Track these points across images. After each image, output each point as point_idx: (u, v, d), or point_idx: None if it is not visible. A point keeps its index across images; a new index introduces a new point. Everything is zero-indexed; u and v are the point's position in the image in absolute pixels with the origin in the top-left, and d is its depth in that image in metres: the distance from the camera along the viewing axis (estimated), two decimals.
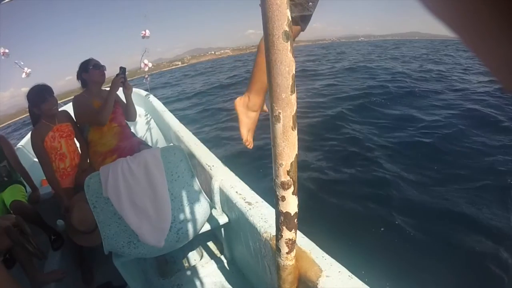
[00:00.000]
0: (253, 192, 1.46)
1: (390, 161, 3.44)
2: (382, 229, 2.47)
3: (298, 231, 1.21)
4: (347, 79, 9.18)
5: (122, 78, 2.16)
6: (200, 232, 1.62)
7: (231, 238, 1.74)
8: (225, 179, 1.59)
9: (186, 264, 1.90)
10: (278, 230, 0.91)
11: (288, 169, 0.73)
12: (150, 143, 2.99)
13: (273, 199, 1.40)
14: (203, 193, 1.52)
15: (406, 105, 5.90)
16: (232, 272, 1.76)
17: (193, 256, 1.94)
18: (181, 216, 1.50)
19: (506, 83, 0.15)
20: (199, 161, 1.83)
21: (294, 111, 0.68)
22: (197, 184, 1.49)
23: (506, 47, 0.13)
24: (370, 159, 3.56)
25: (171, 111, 3.00)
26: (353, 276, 1.04)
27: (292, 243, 0.95)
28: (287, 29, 0.67)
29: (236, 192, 1.46)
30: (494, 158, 3.50)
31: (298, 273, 1.10)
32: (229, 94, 9.05)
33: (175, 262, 1.91)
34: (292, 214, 0.84)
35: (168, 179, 1.43)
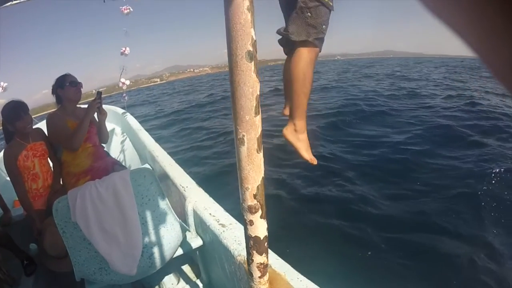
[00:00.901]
0: (227, 213, 1.42)
1: (363, 178, 3.45)
2: (358, 246, 2.46)
3: (272, 253, 1.18)
4: (321, 98, 9.26)
5: (98, 103, 2.10)
6: (175, 256, 1.55)
7: (207, 261, 1.68)
8: (199, 200, 1.54)
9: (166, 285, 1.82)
10: (249, 254, 0.86)
11: (254, 193, 0.70)
12: (125, 163, 2.90)
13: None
14: (176, 216, 1.47)
15: (378, 123, 5.95)
16: None
17: (170, 281, 1.85)
18: (153, 241, 1.43)
19: (510, 86, 0.14)
20: (173, 182, 1.78)
21: (259, 133, 0.65)
22: (169, 207, 1.43)
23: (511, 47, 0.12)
24: (344, 177, 3.54)
25: (148, 129, 2.94)
26: None
27: (264, 267, 0.91)
28: (251, 49, 0.65)
29: (210, 214, 1.42)
30: (463, 171, 3.60)
31: None
32: (206, 113, 8.97)
33: (152, 287, 1.82)
34: (261, 238, 0.80)
35: (138, 202, 1.37)
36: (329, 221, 2.77)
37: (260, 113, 0.65)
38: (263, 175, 0.69)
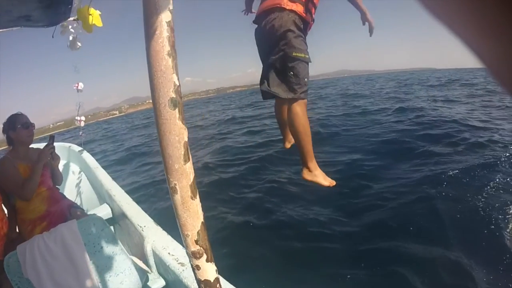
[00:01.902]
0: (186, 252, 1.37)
1: (323, 200, 3.43)
2: (326, 266, 2.42)
3: (232, 286, 1.15)
4: (271, 124, 9.19)
5: (51, 149, 2.00)
6: None
7: None
8: (157, 240, 1.48)
9: None
10: None
11: (195, 239, 0.68)
12: (82, 203, 2.75)
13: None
14: (133, 259, 1.40)
15: (333, 144, 5.90)
16: None
17: None
18: None
19: (508, 85, 0.14)
20: (131, 221, 1.70)
21: (191, 180, 0.64)
22: (124, 252, 1.36)
23: (509, 47, 0.12)
24: (304, 200, 3.52)
25: (108, 165, 2.84)
26: None
27: None
28: (174, 95, 0.64)
29: (169, 253, 1.36)
30: (418, 179, 3.74)
31: None
32: None
33: None
34: (212, 281, 0.77)
35: (90, 251, 1.30)
36: (293, 244, 2.72)
37: (190, 160, 0.64)
38: (202, 220, 0.67)
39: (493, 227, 2.62)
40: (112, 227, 2.26)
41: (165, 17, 0.68)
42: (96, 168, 2.78)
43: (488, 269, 2.22)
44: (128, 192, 2.30)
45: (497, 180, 3.43)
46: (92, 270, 1.27)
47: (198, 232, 0.67)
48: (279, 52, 1.92)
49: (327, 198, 3.38)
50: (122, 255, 1.38)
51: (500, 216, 2.75)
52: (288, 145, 2.44)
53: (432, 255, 2.42)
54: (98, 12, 2.01)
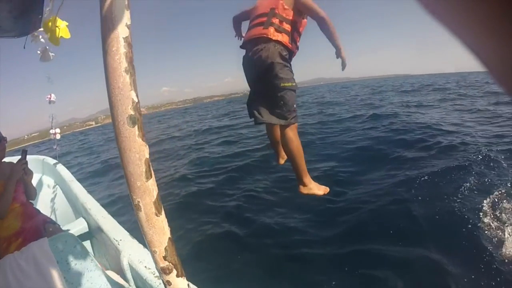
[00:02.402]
0: None
1: (298, 209, 3.44)
2: (304, 275, 2.44)
3: None
4: (253, 132, 9.12)
5: (24, 165, 1.94)
6: None
7: None
8: (133, 253, 1.45)
9: None
10: None
11: (163, 255, 0.67)
12: (56, 218, 2.66)
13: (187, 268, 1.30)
14: (110, 274, 1.37)
15: (309, 153, 5.76)
16: None
17: None
18: None
19: (507, 86, 0.14)
20: (107, 235, 1.66)
21: (155, 197, 0.63)
22: (99, 267, 1.33)
23: (508, 48, 0.12)
24: (280, 210, 3.53)
25: (85, 177, 2.76)
26: None
27: None
28: (132, 112, 0.63)
29: (145, 266, 1.34)
30: (393, 183, 3.81)
31: None
32: None
33: None
34: None
35: (63, 269, 1.26)
36: (273, 252, 2.69)
37: (152, 176, 0.63)
38: (169, 236, 0.67)
39: (469, 226, 2.70)
40: (88, 241, 2.21)
41: (122, 33, 0.67)
42: (71, 181, 2.70)
43: (465, 268, 2.29)
44: (106, 205, 2.25)
45: (471, 181, 3.54)
46: None
47: (165, 248, 0.66)
48: (268, 83, 2.09)
49: (306, 205, 3.41)
50: (97, 270, 1.34)
51: (475, 216, 2.83)
52: (282, 161, 2.64)
53: (410, 256, 2.48)
54: (65, 23, 1.95)
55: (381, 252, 2.57)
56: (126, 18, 0.68)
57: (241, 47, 2.35)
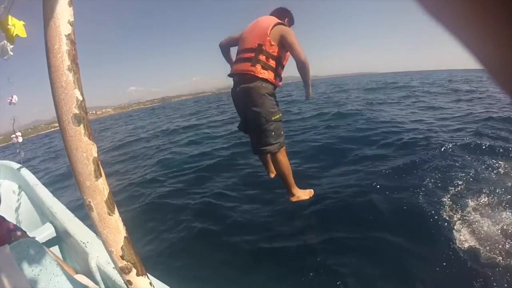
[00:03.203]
0: None
1: (265, 204, 3.51)
2: (277, 266, 2.48)
3: None
4: (215, 132, 8.99)
5: None
6: None
7: None
8: (101, 255, 1.41)
9: None
10: None
11: (120, 254, 0.66)
12: (22, 224, 2.55)
13: (151, 261, 1.28)
14: (79, 278, 1.33)
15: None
16: None
17: None
18: None
19: (506, 86, 0.14)
20: (74, 238, 1.61)
21: (106, 196, 0.61)
22: (64, 272, 1.28)
23: (508, 49, 0.12)
24: (245, 204, 3.58)
25: (50, 183, 2.64)
26: None
27: None
28: (77, 111, 0.60)
29: (113, 267, 1.31)
30: (351, 181, 3.88)
31: None
32: (115, 157, 8.12)
33: None
34: None
35: (29, 276, 1.21)
36: (245, 247, 2.74)
37: (102, 175, 0.61)
38: (124, 234, 0.65)
39: (430, 217, 2.82)
40: (57, 246, 2.13)
41: (65, 30, 0.64)
42: (36, 185, 2.58)
43: (423, 255, 2.41)
44: (75, 209, 2.16)
45: (434, 175, 3.69)
46: None
47: (122, 248, 0.65)
48: (259, 118, 2.39)
49: (275, 201, 3.48)
50: (65, 275, 1.30)
51: (436, 208, 2.96)
52: (272, 175, 2.95)
53: (375, 243, 2.59)
54: (22, 22, 1.85)
55: (348, 240, 2.67)
56: (69, 15, 0.65)
57: (229, 76, 2.62)
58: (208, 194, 3.94)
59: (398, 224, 2.80)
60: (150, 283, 0.75)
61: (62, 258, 2.13)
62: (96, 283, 1.44)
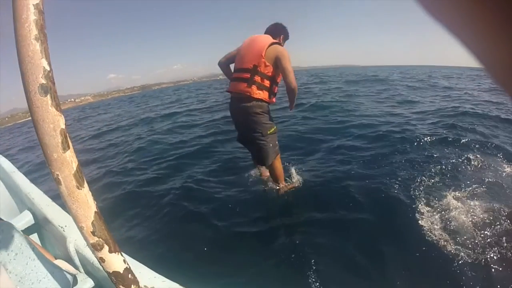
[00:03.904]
0: None
1: (244, 188, 3.54)
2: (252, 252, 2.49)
3: (158, 276, 1.13)
4: (194, 121, 8.91)
5: None
6: None
7: None
8: (79, 238, 1.38)
9: None
10: None
11: (91, 230, 0.64)
12: (1, 213, 2.48)
13: (135, 247, 1.26)
14: (59, 262, 1.31)
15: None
16: None
17: None
18: None
19: (506, 85, 0.14)
20: (52, 223, 1.57)
21: (75, 169, 0.59)
22: (41, 255, 1.25)
23: (508, 49, 0.12)
24: (221, 191, 3.58)
25: (31, 171, 2.56)
26: None
27: None
28: (44, 81, 0.58)
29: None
30: (327, 170, 3.91)
31: None
32: (97, 144, 7.88)
33: None
34: (122, 272, 0.74)
35: (4, 260, 1.17)
36: (223, 232, 2.76)
37: (70, 147, 0.59)
38: (95, 210, 0.63)
39: (404, 208, 2.88)
40: (36, 234, 2.08)
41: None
42: (13, 172, 2.50)
43: (393, 240, 2.48)
44: (56, 197, 2.12)
45: (409, 166, 3.78)
46: (7, 281, 1.16)
47: (92, 223, 0.63)
48: (255, 132, 2.74)
49: (255, 186, 3.54)
50: (42, 259, 1.27)
51: (409, 197, 3.03)
52: (264, 178, 3.42)
53: (351, 228, 2.67)
54: None
55: (325, 222, 2.76)
56: None
57: (227, 91, 2.90)
58: (189, 180, 3.94)
59: (373, 208, 2.89)
60: (124, 261, 0.74)
61: (42, 246, 2.08)
62: (76, 267, 1.41)
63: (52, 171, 0.58)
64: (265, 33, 2.85)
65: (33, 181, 2.40)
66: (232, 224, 2.84)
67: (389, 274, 2.17)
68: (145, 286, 1.05)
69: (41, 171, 5.59)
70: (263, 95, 2.67)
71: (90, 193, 0.62)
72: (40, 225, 2.01)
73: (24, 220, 2.02)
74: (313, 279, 2.12)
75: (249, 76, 2.61)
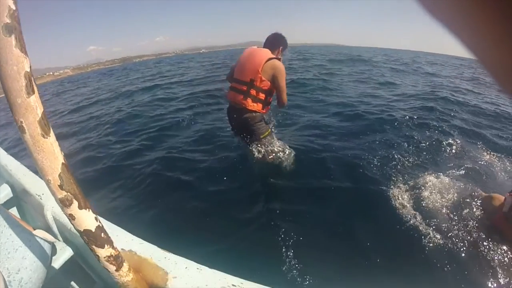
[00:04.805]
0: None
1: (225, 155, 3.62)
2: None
3: (136, 238, 1.10)
4: (179, 93, 8.90)
5: None
6: (52, 270, 1.35)
7: (90, 266, 1.51)
8: (56, 205, 1.34)
9: None
10: (92, 250, 0.77)
11: (59, 184, 0.60)
12: None
13: (119, 218, 1.22)
14: (37, 232, 1.26)
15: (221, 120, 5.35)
16: None
17: None
18: (15, 265, 1.21)
19: (506, 86, 0.14)
20: (29, 193, 1.52)
21: (40, 115, 0.55)
22: (17, 224, 1.21)
23: (508, 49, 0.12)
24: (200, 162, 3.63)
25: (7, 149, 2.47)
26: (202, 266, 0.97)
27: (115, 259, 0.82)
28: (8, 21, 0.53)
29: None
30: (303, 147, 3.92)
31: (146, 285, 0.99)
32: (77, 117, 7.76)
33: None
34: (93, 230, 0.71)
35: None
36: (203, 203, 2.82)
37: (35, 92, 0.55)
38: (62, 161, 0.60)
39: (379, 186, 2.94)
40: (15, 208, 2.02)
41: None
42: None
43: (370, 221, 2.53)
44: (37, 173, 2.06)
45: (386, 147, 3.89)
46: None
47: (60, 176, 0.60)
48: (252, 136, 3.04)
49: (236, 155, 3.62)
50: (19, 228, 1.22)
51: (386, 176, 3.11)
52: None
53: (324, 196, 2.77)
54: None
55: (300, 190, 2.89)
56: None
57: (226, 98, 3.16)
58: (171, 151, 3.99)
59: (348, 180, 3.02)
60: (96, 218, 0.71)
61: (21, 219, 2.03)
62: (54, 235, 1.38)
63: (16, 118, 0.54)
64: (265, 43, 3.01)
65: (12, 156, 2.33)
66: (215, 192, 2.91)
67: (360, 243, 2.26)
68: (122, 249, 1.03)
69: (20, 146, 5.49)
70: (257, 107, 2.90)
71: (57, 143, 0.58)
72: (19, 198, 1.95)
73: (3, 193, 1.95)
74: (290, 243, 2.20)
75: (245, 89, 2.83)
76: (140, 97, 9.20)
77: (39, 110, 0.55)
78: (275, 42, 2.95)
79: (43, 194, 1.42)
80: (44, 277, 1.31)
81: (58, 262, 1.35)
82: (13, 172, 1.82)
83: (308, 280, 1.95)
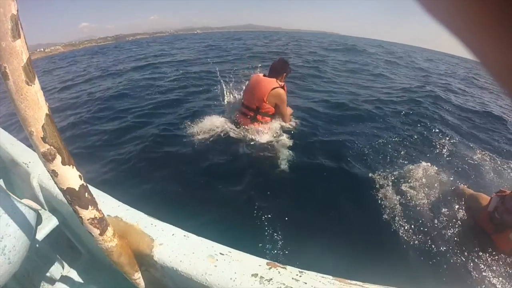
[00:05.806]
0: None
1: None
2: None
3: (122, 204, 1.08)
4: (170, 73, 8.81)
5: None
6: (37, 241, 1.32)
7: (77, 234, 1.50)
8: (43, 172, 1.31)
9: (51, 279, 1.56)
10: (75, 211, 0.75)
11: (42, 136, 0.58)
12: None
13: (112, 189, 1.20)
14: (24, 201, 1.23)
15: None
16: (99, 269, 1.52)
17: (57, 270, 1.60)
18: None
19: (506, 86, 0.14)
20: (16, 162, 1.48)
21: (25, 61, 0.53)
22: (4, 190, 1.18)
23: (507, 49, 0.12)
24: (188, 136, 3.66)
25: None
26: (189, 234, 0.95)
27: (99, 222, 0.81)
28: None
29: (54, 184, 1.22)
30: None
31: (131, 251, 0.98)
32: (68, 95, 7.58)
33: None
34: (77, 189, 0.69)
35: None
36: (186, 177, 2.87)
37: (22, 36, 0.52)
38: (46, 111, 0.58)
39: (363, 170, 3.00)
40: (1, 180, 1.98)
41: None
42: None
43: (357, 205, 2.59)
44: (25, 139, 2.01)
45: (374, 137, 3.88)
46: None
47: (43, 127, 0.57)
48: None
49: (225, 134, 3.60)
50: (2, 194, 1.20)
51: (371, 167, 3.11)
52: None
53: (312, 177, 2.83)
54: None
55: (285, 172, 2.93)
56: None
57: (236, 119, 3.51)
58: (164, 128, 4.05)
59: (333, 164, 3.07)
60: (80, 177, 0.69)
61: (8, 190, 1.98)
62: (40, 204, 1.35)
63: (0, 63, 0.52)
64: (270, 70, 3.29)
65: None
66: (205, 168, 2.95)
67: (342, 223, 2.35)
68: (108, 215, 1.02)
69: (11, 120, 5.40)
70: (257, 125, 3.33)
71: (41, 92, 0.56)
72: (7, 169, 1.91)
73: None
74: (277, 220, 2.27)
75: (252, 114, 3.29)
76: (132, 76, 9.04)
77: (24, 56, 0.52)
78: (280, 70, 3.25)
79: (30, 162, 1.39)
80: (28, 246, 1.28)
81: (43, 231, 1.33)
82: (1, 142, 1.77)
83: (293, 253, 2.02)
